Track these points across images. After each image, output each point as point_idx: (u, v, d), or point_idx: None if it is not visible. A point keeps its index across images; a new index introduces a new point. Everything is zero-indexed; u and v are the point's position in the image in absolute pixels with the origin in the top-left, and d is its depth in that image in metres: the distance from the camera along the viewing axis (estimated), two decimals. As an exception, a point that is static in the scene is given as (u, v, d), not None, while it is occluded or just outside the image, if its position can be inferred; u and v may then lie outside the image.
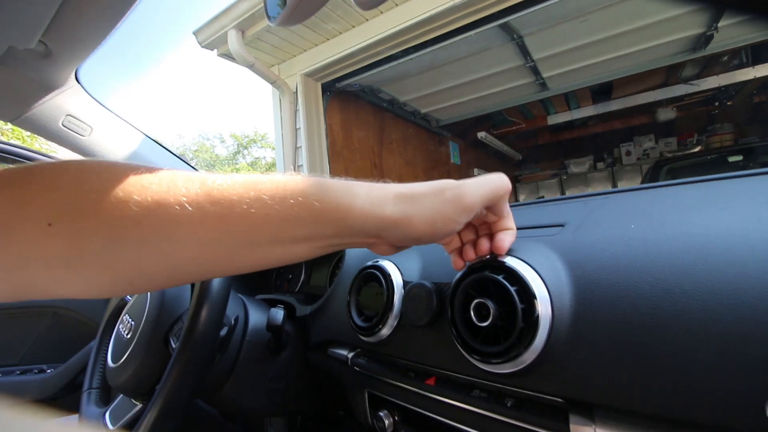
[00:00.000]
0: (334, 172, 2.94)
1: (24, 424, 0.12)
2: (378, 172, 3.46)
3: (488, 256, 0.40)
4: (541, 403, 0.36)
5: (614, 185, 5.96)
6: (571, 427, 0.33)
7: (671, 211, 0.41)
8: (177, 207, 0.24)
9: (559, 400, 0.35)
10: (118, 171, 0.24)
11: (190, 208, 0.24)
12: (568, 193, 6.28)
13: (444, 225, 0.33)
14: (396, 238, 0.33)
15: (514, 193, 6.81)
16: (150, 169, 0.25)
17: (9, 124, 0.94)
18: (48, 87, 0.78)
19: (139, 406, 0.55)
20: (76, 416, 0.82)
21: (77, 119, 0.82)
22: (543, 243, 0.42)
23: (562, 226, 0.45)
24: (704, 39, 3.10)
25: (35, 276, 0.23)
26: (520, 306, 0.36)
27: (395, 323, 0.48)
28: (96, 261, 0.23)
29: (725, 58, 3.67)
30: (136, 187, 0.24)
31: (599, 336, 0.32)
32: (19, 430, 0.12)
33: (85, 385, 0.66)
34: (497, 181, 0.37)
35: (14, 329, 1.18)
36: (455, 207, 0.33)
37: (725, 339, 0.27)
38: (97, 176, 0.24)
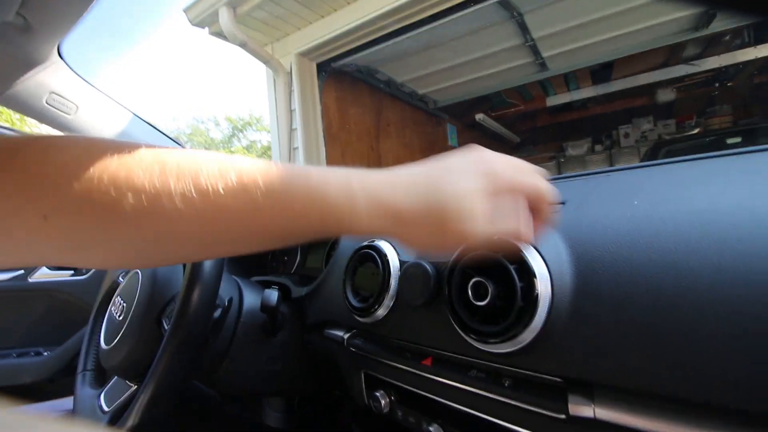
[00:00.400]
0: (330, 155, 2.90)
1: (22, 424, 0.12)
2: (375, 155, 3.42)
3: None
4: (539, 383, 0.36)
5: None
6: (570, 406, 0.32)
7: (674, 187, 0.40)
8: (167, 204, 0.24)
9: (558, 379, 0.34)
10: (106, 153, 0.24)
11: (180, 205, 0.24)
12: (565, 176, 6.29)
13: (438, 252, 0.34)
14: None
15: (512, 176, 6.78)
16: (140, 155, 0.25)
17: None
18: (29, 63, 0.75)
19: (134, 387, 0.55)
20: (71, 398, 0.83)
21: (62, 97, 0.79)
22: (543, 221, 0.41)
23: (562, 204, 0.43)
24: (707, 17, 3.03)
25: (46, 254, 0.25)
26: (519, 284, 0.35)
27: (391, 303, 0.47)
28: (96, 248, 0.25)
29: (727, 37, 3.61)
30: (127, 180, 0.24)
31: (601, 314, 0.31)
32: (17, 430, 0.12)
33: (80, 367, 0.66)
34: (537, 189, 0.33)
35: (11, 312, 1.17)
36: (454, 241, 0.31)
37: (734, 317, 0.26)
38: (86, 161, 0.24)
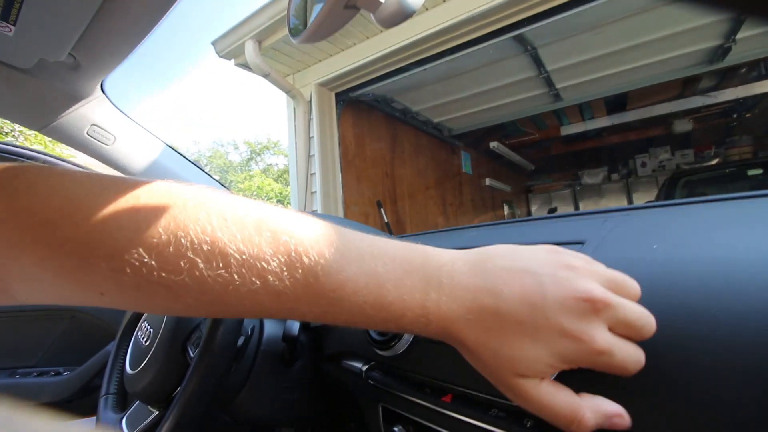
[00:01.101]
0: (346, 181, 2.96)
1: (45, 426, 0.12)
2: (389, 181, 3.47)
3: None
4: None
5: (629, 197, 5.88)
6: (592, 451, 0.32)
7: (695, 231, 0.41)
8: (231, 294, 0.23)
9: (580, 422, 0.34)
10: (179, 241, 0.22)
11: (243, 294, 0.23)
12: (581, 205, 6.22)
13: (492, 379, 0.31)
14: None
15: (527, 204, 6.75)
16: (164, 228, 0.22)
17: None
18: (75, 97, 0.81)
19: (156, 413, 0.56)
20: (93, 419, 0.83)
21: (102, 129, 0.84)
22: (563, 261, 0.41)
23: (581, 243, 0.44)
24: (722, 51, 3.06)
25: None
26: (539, 324, 0.36)
27: (411, 338, 0.48)
28: (149, 309, 0.26)
29: (743, 70, 3.62)
30: (189, 272, 0.22)
31: (622, 359, 0.32)
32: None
33: (103, 390, 0.67)
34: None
35: (33, 331, 1.20)
36: (500, 380, 0.29)
37: (752, 366, 0.26)
38: (157, 241, 0.23)
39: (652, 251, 0.37)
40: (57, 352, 1.21)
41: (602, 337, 0.26)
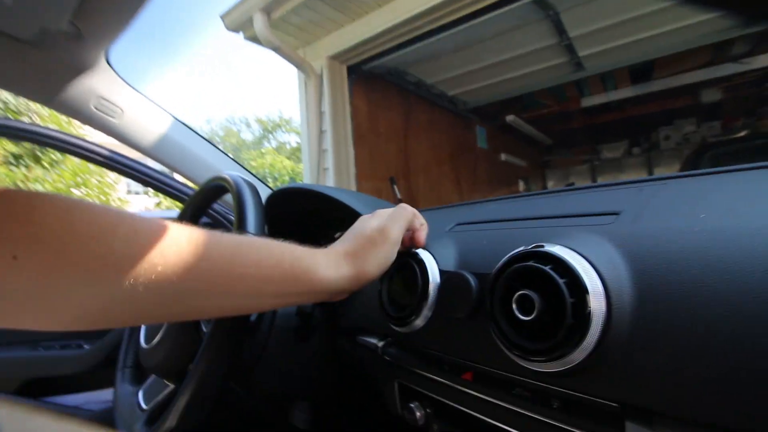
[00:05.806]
0: (358, 157, 2.92)
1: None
2: (403, 156, 3.41)
3: (532, 246, 0.37)
4: (591, 406, 0.33)
5: (650, 171, 5.68)
6: (628, 434, 0.30)
7: (745, 200, 0.36)
8: (155, 257, 0.25)
9: (614, 404, 0.32)
10: (104, 215, 0.24)
11: (179, 259, 0.27)
12: (600, 180, 6.04)
13: (387, 261, 0.43)
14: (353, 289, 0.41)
15: (543, 180, 6.60)
16: (142, 219, 0.27)
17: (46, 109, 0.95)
18: (79, 69, 0.79)
19: (171, 387, 0.56)
20: (109, 390, 0.84)
21: (108, 101, 0.82)
22: (596, 232, 0.38)
23: (617, 214, 0.40)
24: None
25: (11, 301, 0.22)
26: (569, 300, 0.33)
27: (430, 314, 0.45)
28: (60, 299, 0.23)
29: (782, 33, 3.37)
30: (121, 232, 0.24)
31: (665, 337, 0.29)
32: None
33: (119, 364, 0.68)
34: (407, 215, 0.47)
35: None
36: (389, 247, 0.43)
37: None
38: (80, 213, 0.23)
39: (698, 221, 0.34)
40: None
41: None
